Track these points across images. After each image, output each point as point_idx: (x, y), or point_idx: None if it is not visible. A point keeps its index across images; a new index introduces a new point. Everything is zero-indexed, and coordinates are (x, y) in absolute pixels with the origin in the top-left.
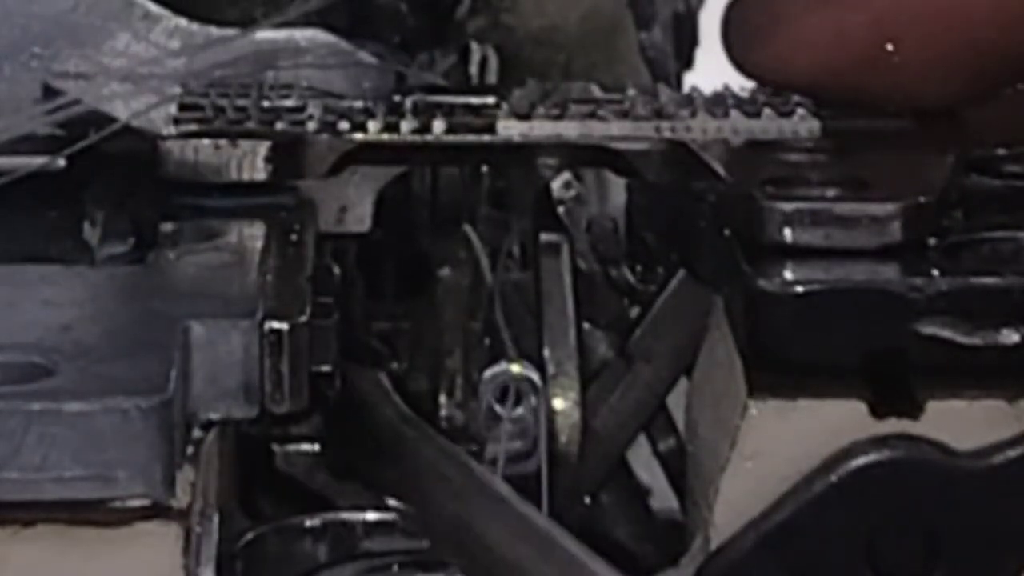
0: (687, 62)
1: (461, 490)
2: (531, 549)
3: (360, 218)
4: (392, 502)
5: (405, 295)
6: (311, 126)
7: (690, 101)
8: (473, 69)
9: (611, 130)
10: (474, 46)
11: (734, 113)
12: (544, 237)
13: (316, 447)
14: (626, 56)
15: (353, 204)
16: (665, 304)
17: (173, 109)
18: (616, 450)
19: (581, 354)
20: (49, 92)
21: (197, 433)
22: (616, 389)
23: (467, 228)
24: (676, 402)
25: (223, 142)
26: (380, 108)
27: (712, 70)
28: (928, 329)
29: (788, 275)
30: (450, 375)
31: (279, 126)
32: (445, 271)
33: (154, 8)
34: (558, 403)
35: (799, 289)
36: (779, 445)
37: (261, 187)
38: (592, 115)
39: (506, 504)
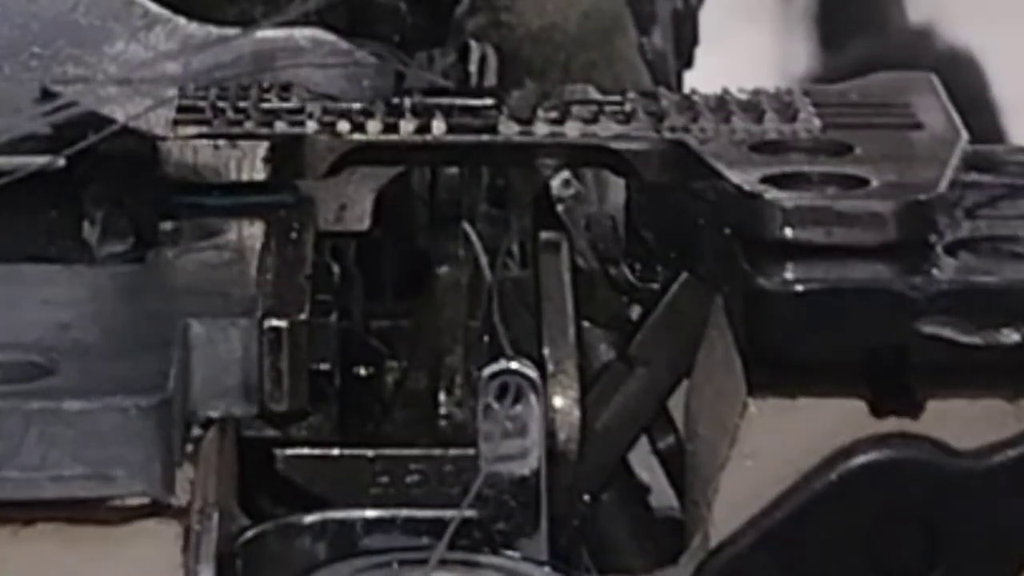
0: (687, 61)
1: None
2: None
3: (359, 216)
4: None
5: (404, 293)
6: (310, 127)
7: (691, 104)
8: (472, 68)
9: (611, 130)
10: (473, 45)
11: (735, 115)
12: (543, 235)
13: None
14: (625, 55)
15: (352, 202)
16: (666, 308)
17: (172, 110)
18: (616, 451)
19: (580, 352)
20: (48, 94)
21: (196, 431)
22: (617, 393)
23: (466, 226)
24: (676, 401)
25: (222, 142)
26: (379, 109)
27: (712, 69)
28: (928, 328)
29: (788, 274)
30: (449, 373)
31: (278, 127)
32: (444, 269)
33: (154, 8)
34: (558, 401)
35: (799, 288)
36: (779, 444)
37: (260, 185)
38: (593, 119)
39: None
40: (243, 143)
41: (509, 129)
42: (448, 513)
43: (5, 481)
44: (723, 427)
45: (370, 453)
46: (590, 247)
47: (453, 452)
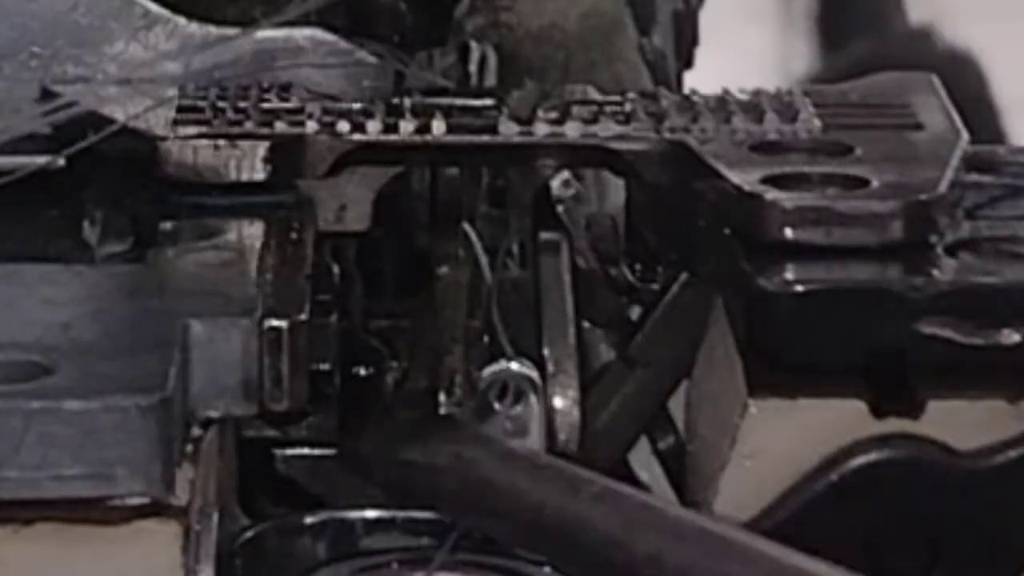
0: (687, 61)
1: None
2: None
3: (359, 216)
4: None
5: (404, 293)
6: (310, 127)
7: (691, 104)
8: (472, 68)
9: (611, 131)
10: (473, 45)
11: (735, 115)
12: (543, 236)
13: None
14: (625, 55)
15: (352, 202)
16: (666, 308)
17: (172, 110)
18: (616, 453)
19: (580, 353)
20: (48, 94)
21: (196, 431)
22: (617, 393)
23: (466, 226)
24: (676, 401)
25: (222, 142)
26: (379, 109)
27: (712, 69)
28: (929, 328)
29: (788, 274)
30: (449, 373)
31: (278, 127)
32: (444, 269)
33: (153, 8)
34: (557, 401)
35: (799, 288)
36: (779, 444)
37: (260, 185)
38: (593, 120)
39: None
40: (243, 143)
41: (509, 129)
42: None
43: (5, 481)
44: (723, 427)
45: None
46: (590, 247)
47: None
